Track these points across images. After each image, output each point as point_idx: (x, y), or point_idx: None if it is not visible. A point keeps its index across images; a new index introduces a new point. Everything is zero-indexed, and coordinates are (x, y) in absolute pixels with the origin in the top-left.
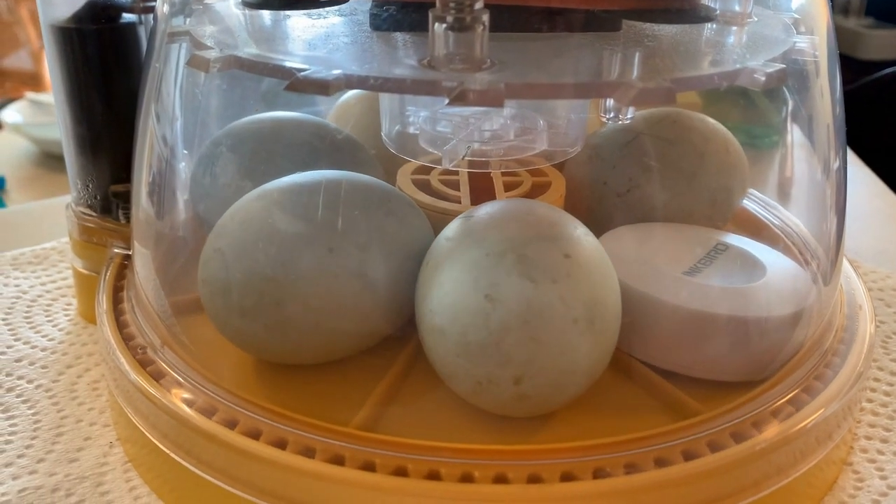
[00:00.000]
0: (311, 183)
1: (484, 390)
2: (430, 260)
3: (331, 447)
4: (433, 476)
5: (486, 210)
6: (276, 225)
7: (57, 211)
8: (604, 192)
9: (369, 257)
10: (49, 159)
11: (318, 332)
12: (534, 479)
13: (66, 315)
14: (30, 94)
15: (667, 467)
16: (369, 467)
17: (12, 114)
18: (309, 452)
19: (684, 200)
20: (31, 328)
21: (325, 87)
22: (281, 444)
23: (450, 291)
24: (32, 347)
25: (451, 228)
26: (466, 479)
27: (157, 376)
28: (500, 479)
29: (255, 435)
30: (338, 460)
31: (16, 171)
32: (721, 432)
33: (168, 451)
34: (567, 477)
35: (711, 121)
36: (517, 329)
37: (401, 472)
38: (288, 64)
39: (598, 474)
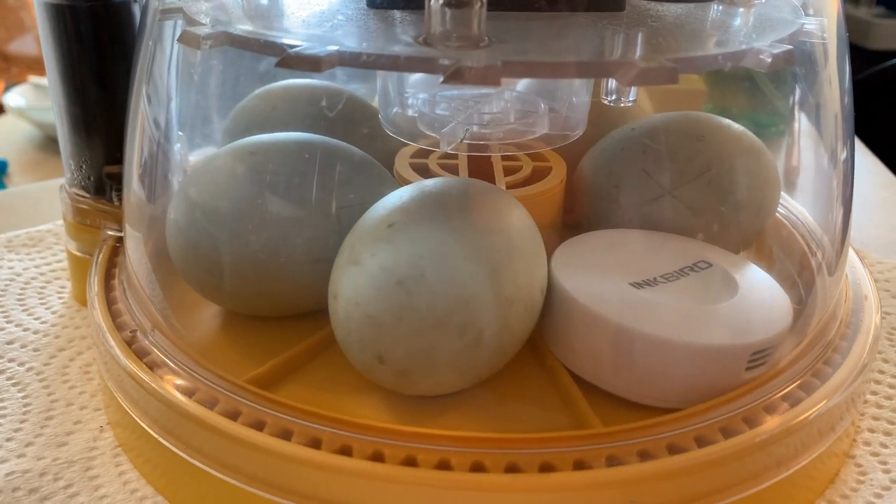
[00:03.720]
0: (272, 139)
1: (373, 375)
2: None
3: (338, 437)
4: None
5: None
6: (226, 164)
7: (53, 193)
8: None
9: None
10: (52, 143)
11: (251, 270)
12: (444, 465)
13: (60, 298)
14: (33, 78)
15: (657, 459)
16: (445, 466)
17: (15, 97)
18: (314, 443)
19: None
20: (23, 311)
21: (316, 64)
22: (276, 432)
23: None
24: (25, 330)
25: None
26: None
27: (147, 360)
28: (408, 462)
29: (245, 421)
30: (345, 451)
31: (19, 155)
32: (721, 422)
33: (157, 436)
34: (514, 467)
35: (755, 168)
36: (355, 312)
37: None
38: (279, 40)
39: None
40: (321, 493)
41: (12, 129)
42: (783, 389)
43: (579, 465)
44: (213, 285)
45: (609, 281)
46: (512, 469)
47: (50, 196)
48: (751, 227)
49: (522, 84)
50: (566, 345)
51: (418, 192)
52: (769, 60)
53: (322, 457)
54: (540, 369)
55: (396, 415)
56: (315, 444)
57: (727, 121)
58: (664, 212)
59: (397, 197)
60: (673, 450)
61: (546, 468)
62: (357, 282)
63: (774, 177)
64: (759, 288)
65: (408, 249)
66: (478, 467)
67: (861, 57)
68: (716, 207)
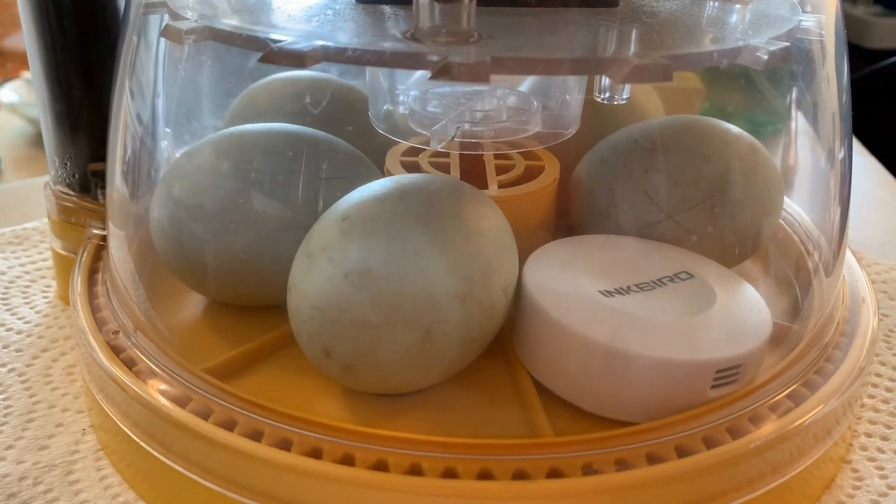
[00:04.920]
0: (255, 133)
1: (324, 369)
2: None
3: (307, 439)
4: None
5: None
6: (204, 157)
7: (40, 190)
8: None
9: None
10: None
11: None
12: (381, 466)
13: (45, 297)
14: (26, 74)
15: (659, 464)
16: (349, 461)
17: (8, 93)
18: (285, 445)
19: None
20: (7, 310)
21: (300, 59)
22: (256, 436)
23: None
24: (7, 330)
25: None
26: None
27: (129, 363)
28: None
29: (228, 425)
30: (315, 453)
31: (11, 152)
32: (716, 428)
33: (139, 441)
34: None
35: (762, 188)
36: (304, 305)
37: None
38: (263, 35)
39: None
40: (259, 486)
41: (4, 125)
42: (779, 394)
43: (519, 475)
44: (197, 276)
45: (578, 287)
46: (449, 474)
47: (37, 193)
48: (752, 244)
49: (517, 82)
50: (528, 349)
51: (381, 187)
52: (766, 58)
53: (262, 450)
54: (505, 373)
55: (352, 411)
56: (256, 436)
57: (735, 133)
58: (664, 235)
59: (360, 191)
60: (620, 465)
61: (485, 475)
62: (308, 274)
63: (778, 192)
64: (737, 303)
65: (358, 243)
66: (415, 470)
67: (859, 56)
68: (718, 231)
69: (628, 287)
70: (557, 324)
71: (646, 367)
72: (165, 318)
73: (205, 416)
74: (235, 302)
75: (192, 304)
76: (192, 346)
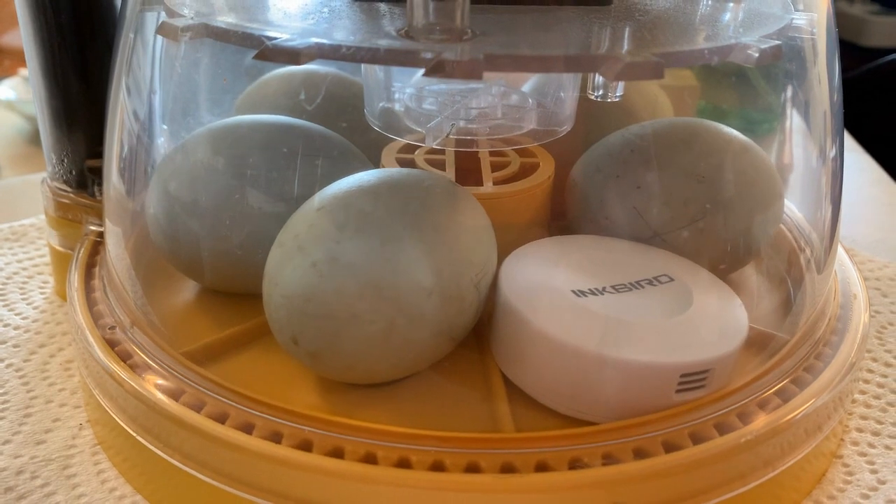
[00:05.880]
0: (237, 123)
1: (295, 356)
2: None
3: (298, 432)
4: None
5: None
6: (198, 150)
7: (37, 186)
8: None
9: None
10: None
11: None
12: (338, 453)
13: (42, 293)
14: (23, 71)
15: (648, 458)
16: (307, 447)
17: (5, 90)
18: (276, 437)
19: None
20: (4, 306)
21: (295, 56)
22: (249, 430)
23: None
24: (5, 326)
25: None
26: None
27: (125, 357)
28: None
29: (223, 419)
30: (275, 438)
31: (8, 149)
32: (706, 423)
33: (135, 435)
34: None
35: (758, 209)
36: (275, 293)
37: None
38: (258, 32)
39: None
40: (227, 469)
41: (2, 123)
42: (770, 388)
43: (472, 468)
44: (191, 264)
45: (551, 285)
46: (403, 464)
47: (33, 190)
48: (745, 256)
49: (512, 80)
50: (498, 344)
51: (357, 179)
52: (756, 55)
53: (226, 432)
54: (479, 367)
55: (324, 399)
56: (222, 418)
57: (736, 148)
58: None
59: (338, 183)
60: (575, 464)
61: (438, 467)
62: (279, 263)
63: (777, 203)
64: (714, 309)
65: (327, 232)
66: (370, 458)
67: (855, 54)
68: (708, 247)
69: (603, 288)
70: (523, 320)
71: (608, 367)
72: (162, 313)
73: (198, 408)
74: (232, 291)
75: (189, 300)
76: (189, 342)
